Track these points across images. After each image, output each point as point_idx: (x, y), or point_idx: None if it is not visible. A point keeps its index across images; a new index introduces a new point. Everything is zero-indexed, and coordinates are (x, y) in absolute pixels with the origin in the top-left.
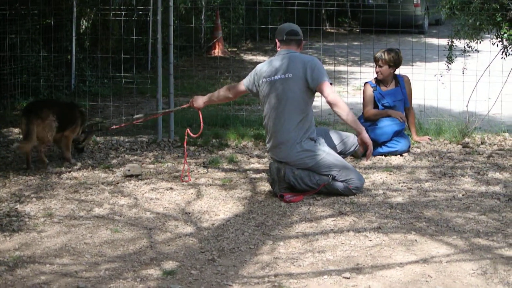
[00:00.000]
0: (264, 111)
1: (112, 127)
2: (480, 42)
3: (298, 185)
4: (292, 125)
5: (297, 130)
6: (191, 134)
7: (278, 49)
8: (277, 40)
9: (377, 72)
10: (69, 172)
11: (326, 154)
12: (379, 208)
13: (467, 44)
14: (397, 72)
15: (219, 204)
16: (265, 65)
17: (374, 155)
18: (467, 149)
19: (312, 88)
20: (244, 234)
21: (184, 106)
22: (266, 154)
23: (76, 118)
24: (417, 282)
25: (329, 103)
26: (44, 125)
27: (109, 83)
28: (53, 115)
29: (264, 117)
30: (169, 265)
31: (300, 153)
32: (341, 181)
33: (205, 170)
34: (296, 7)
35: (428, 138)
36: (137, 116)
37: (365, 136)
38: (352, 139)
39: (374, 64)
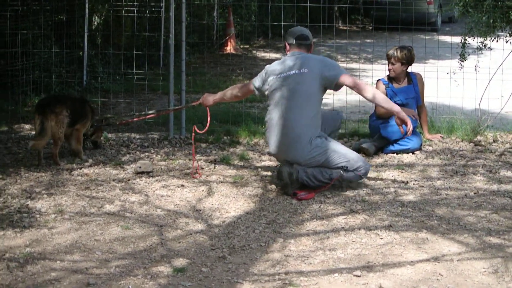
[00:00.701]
0: (270, 106)
1: (123, 122)
2: (497, 41)
3: (312, 182)
4: (305, 120)
5: (310, 127)
6: (198, 131)
7: (288, 52)
8: (286, 43)
9: (389, 70)
10: (80, 168)
11: (334, 148)
12: (391, 206)
13: (482, 42)
14: (409, 69)
15: (230, 202)
16: (276, 64)
17: (386, 152)
18: (479, 147)
19: (331, 84)
20: (255, 231)
21: (195, 103)
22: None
23: (87, 112)
24: (428, 281)
25: (359, 91)
26: (57, 120)
27: (121, 80)
28: (66, 110)
29: (270, 112)
30: (180, 262)
31: (311, 151)
32: (351, 171)
33: (216, 167)
34: (309, 4)
35: (440, 136)
36: (149, 112)
37: (402, 114)
38: (335, 115)
39: (386, 61)
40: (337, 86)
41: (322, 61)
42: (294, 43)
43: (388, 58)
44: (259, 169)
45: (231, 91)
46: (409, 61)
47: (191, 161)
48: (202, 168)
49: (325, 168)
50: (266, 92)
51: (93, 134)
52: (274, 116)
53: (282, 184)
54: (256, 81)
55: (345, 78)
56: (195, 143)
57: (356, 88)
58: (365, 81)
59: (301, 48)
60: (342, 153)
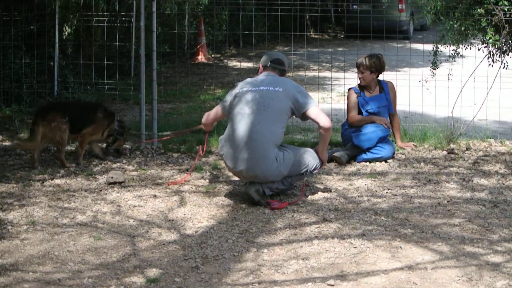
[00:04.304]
0: (235, 117)
1: (140, 141)
2: (470, 48)
3: (275, 193)
4: (272, 136)
5: (276, 144)
6: (201, 153)
7: (260, 73)
8: (260, 65)
9: (359, 78)
10: (52, 179)
11: (294, 158)
12: (364, 215)
13: (455, 50)
14: (381, 78)
15: (202, 211)
16: (248, 79)
17: (359, 161)
18: (452, 155)
19: (300, 110)
20: (228, 241)
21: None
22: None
23: (98, 119)
24: None
25: (322, 127)
26: (50, 127)
27: (92, 90)
28: (62, 117)
29: (234, 124)
30: (153, 272)
31: (278, 167)
32: (310, 172)
33: (189, 177)
34: (280, 13)
35: (413, 144)
36: (165, 133)
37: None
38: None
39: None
40: (304, 116)
41: (297, 87)
42: (268, 65)
43: (358, 66)
44: (232, 179)
45: (206, 116)
46: (378, 69)
47: (163, 171)
48: (175, 178)
49: (285, 177)
50: (234, 102)
51: (114, 142)
52: (240, 128)
53: (254, 202)
54: (224, 99)
55: (313, 110)
56: (166, 152)
57: (321, 124)
58: (337, 90)
59: (274, 71)
60: (301, 161)
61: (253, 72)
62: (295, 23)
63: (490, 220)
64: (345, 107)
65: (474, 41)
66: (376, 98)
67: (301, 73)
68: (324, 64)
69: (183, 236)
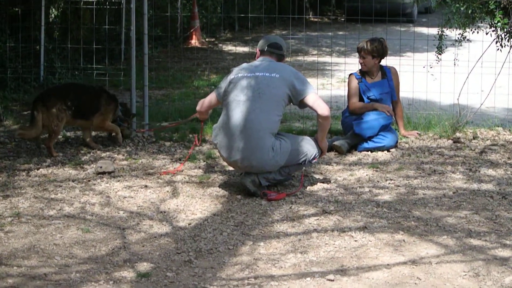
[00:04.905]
0: (229, 104)
1: (139, 130)
2: (477, 32)
3: (272, 183)
4: (268, 124)
5: (272, 132)
6: (197, 143)
7: (257, 58)
8: (257, 50)
9: (361, 63)
10: (38, 169)
11: (292, 147)
12: (365, 207)
13: (461, 34)
14: (384, 63)
15: (196, 203)
16: (244, 64)
17: (360, 150)
18: (458, 145)
19: (297, 97)
20: (223, 234)
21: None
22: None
23: (101, 105)
24: (405, 284)
25: (320, 116)
26: (49, 113)
27: (80, 75)
28: (63, 103)
29: (229, 112)
30: (144, 267)
31: (274, 157)
32: (309, 161)
33: (182, 167)
34: None
35: (417, 133)
36: (163, 124)
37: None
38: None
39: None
40: (302, 104)
41: (295, 72)
42: (266, 49)
43: (359, 51)
44: (227, 168)
45: (201, 103)
46: (380, 53)
47: (155, 160)
48: (167, 167)
49: (283, 167)
50: (229, 88)
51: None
52: (234, 116)
53: (250, 193)
54: (219, 86)
55: (311, 97)
56: (158, 141)
57: (320, 111)
58: (338, 76)
59: (272, 56)
60: (299, 150)
61: (249, 57)
62: (294, 6)
63: (498, 212)
64: (346, 94)
65: (482, 24)
66: (378, 84)
67: (300, 58)
68: (323, 48)
69: (175, 228)
